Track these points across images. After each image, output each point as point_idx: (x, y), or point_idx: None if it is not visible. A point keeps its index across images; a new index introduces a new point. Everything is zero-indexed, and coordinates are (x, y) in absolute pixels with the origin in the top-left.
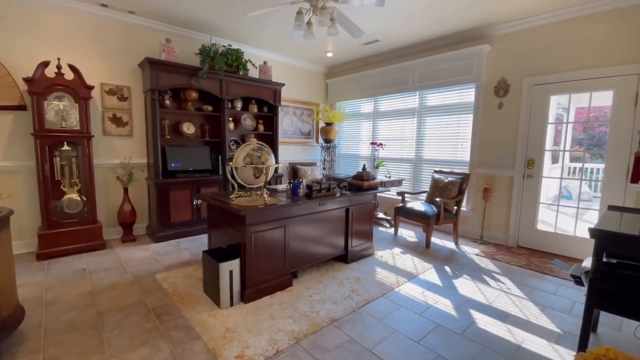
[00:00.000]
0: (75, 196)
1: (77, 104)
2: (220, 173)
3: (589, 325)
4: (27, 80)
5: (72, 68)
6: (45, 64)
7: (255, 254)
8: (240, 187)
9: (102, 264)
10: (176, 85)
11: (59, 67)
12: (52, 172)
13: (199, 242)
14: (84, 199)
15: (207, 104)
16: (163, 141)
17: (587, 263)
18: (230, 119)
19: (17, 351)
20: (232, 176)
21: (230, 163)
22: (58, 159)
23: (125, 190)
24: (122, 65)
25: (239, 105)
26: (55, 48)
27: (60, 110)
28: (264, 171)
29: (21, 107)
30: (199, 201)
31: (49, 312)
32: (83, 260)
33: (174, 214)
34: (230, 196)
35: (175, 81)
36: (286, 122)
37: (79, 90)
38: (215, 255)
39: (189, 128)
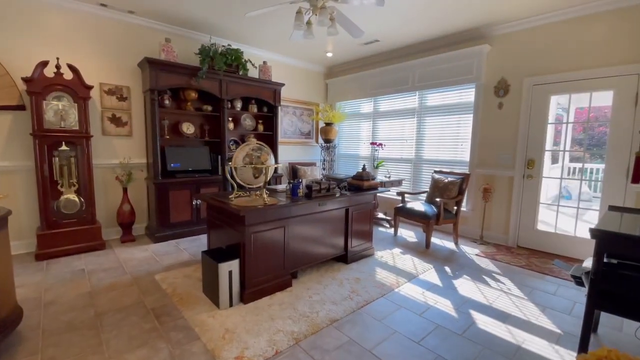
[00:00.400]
0: (72, 196)
1: (76, 104)
2: (220, 173)
3: (589, 325)
4: (25, 80)
5: (71, 68)
6: (44, 64)
7: (254, 254)
8: (240, 187)
9: (101, 265)
10: (176, 85)
11: (58, 66)
12: (51, 172)
13: (199, 243)
14: (82, 199)
15: (206, 104)
16: (162, 141)
17: (588, 263)
18: (230, 119)
19: (16, 351)
20: (232, 176)
21: (230, 163)
22: (57, 159)
23: (125, 190)
24: (122, 65)
25: (238, 105)
26: (54, 48)
27: (59, 110)
28: (264, 171)
29: (20, 107)
30: (199, 201)
31: (47, 312)
32: (82, 260)
33: (173, 214)
34: (230, 196)
35: (174, 81)
36: (286, 122)
37: (78, 90)
38: (215, 255)
39: (188, 128)
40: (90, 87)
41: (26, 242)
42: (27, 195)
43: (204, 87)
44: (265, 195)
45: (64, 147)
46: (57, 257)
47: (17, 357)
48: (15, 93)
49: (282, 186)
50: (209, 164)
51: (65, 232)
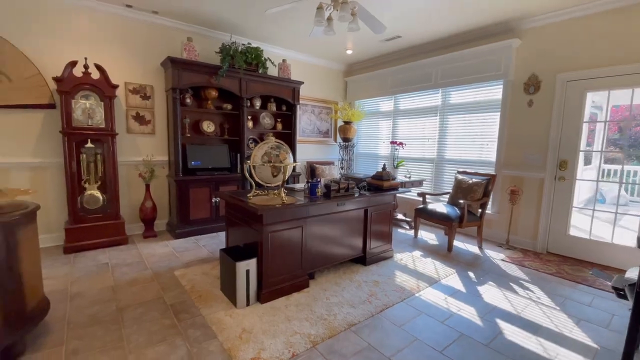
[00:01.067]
0: (95, 192)
1: (102, 103)
2: (239, 171)
3: (633, 342)
4: (56, 79)
5: (98, 67)
6: (73, 64)
7: (272, 254)
8: (258, 185)
9: (124, 259)
10: (197, 84)
11: (86, 66)
12: (79, 169)
13: (218, 240)
14: (104, 195)
15: (226, 103)
16: (183, 139)
17: (632, 274)
18: (249, 117)
19: (42, 343)
20: (250, 175)
21: (249, 161)
22: (84, 155)
23: (147, 187)
24: (146, 65)
25: (257, 103)
26: (82, 48)
27: (86, 109)
28: (282, 170)
29: (51, 106)
30: (218, 199)
31: (73, 305)
32: (106, 254)
33: (193, 211)
34: (248, 195)
35: (196, 80)
36: (304, 120)
37: (104, 89)
38: (232, 254)
39: (208, 126)
40: (115, 86)
41: (55, 235)
42: (56, 191)
43: (224, 85)
44: (283, 195)
45: (90, 145)
46: (83, 251)
47: (43, 349)
48: (46, 92)
49: (300, 185)
50: (228, 162)
51: (91, 227)
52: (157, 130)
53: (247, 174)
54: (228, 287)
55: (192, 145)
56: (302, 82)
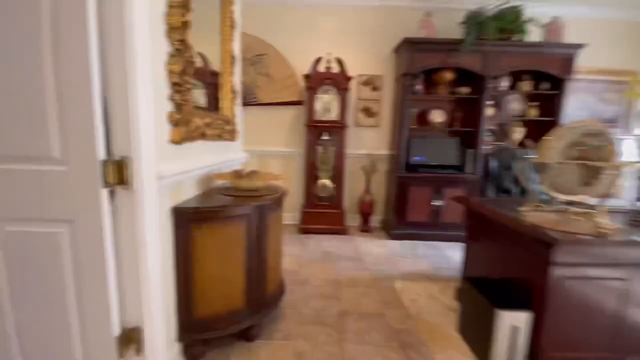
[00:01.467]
0: (327, 182)
1: (338, 96)
2: (470, 171)
3: None
4: (305, 76)
5: (338, 61)
6: (319, 60)
7: (562, 313)
8: (542, 196)
9: (344, 251)
10: (430, 66)
11: (328, 60)
12: (315, 159)
13: (436, 251)
14: (334, 185)
15: (461, 86)
16: (408, 132)
17: None
18: (490, 102)
19: (274, 330)
20: (530, 177)
21: (533, 155)
22: (320, 147)
23: (368, 181)
24: (376, 54)
25: (503, 83)
26: (323, 45)
27: (325, 103)
28: (609, 176)
29: (299, 102)
30: (439, 202)
31: (302, 292)
32: (329, 242)
33: (410, 212)
34: (520, 207)
35: (430, 61)
36: (572, 103)
37: (340, 82)
38: (485, 291)
39: (437, 116)
40: (350, 79)
41: (291, 215)
42: (297, 176)
43: (462, 63)
44: (601, 219)
45: (327, 137)
46: (311, 234)
47: (274, 338)
48: (297, 90)
49: (617, 202)
50: (456, 159)
51: (320, 213)
52: (381, 123)
53: (521, 177)
54: (474, 337)
55: (416, 139)
56: (582, 45)
